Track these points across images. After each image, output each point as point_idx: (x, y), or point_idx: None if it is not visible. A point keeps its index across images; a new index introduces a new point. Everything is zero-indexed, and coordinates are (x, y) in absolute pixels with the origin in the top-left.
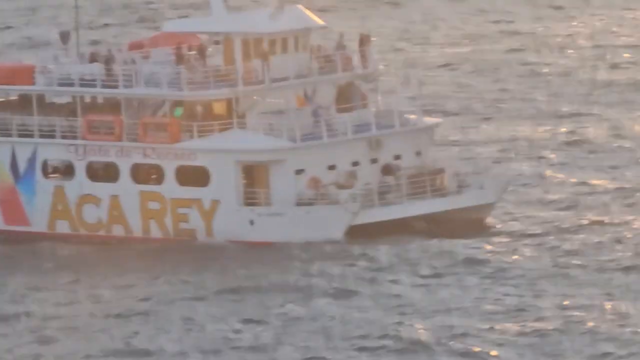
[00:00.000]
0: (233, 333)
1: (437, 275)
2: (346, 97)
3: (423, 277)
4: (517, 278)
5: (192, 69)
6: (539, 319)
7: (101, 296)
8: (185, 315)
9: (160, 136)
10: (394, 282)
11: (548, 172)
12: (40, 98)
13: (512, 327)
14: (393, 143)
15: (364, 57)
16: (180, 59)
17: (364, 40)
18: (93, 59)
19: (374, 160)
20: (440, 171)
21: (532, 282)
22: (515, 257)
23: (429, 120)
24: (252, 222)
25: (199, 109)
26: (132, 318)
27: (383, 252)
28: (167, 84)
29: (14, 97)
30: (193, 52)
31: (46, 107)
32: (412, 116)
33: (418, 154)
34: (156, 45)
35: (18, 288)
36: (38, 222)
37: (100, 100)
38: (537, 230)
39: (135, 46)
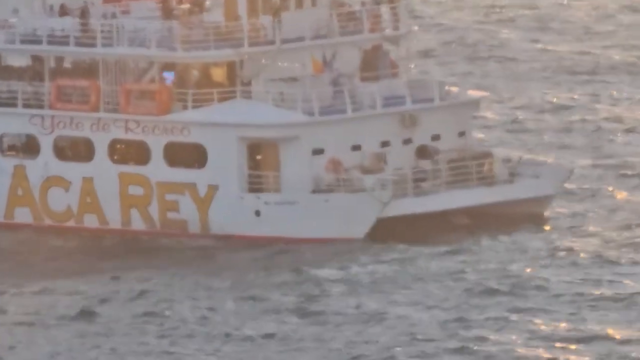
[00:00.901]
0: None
1: (482, 282)
2: (373, 64)
3: (465, 282)
4: (575, 280)
5: (187, 24)
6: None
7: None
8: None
9: (146, 106)
10: (425, 288)
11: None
12: None
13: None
14: (431, 120)
15: (394, 15)
16: (167, 13)
17: None
18: (64, 12)
19: (407, 141)
20: (487, 155)
21: (590, 284)
22: (574, 257)
23: (474, 93)
24: (257, 213)
25: (195, 73)
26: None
27: (417, 252)
28: (156, 43)
29: None
30: (186, 6)
31: (3, 70)
32: (454, 88)
33: (461, 134)
34: None
35: None
36: None
37: (68, 62)
38: (599, 227)
39: None
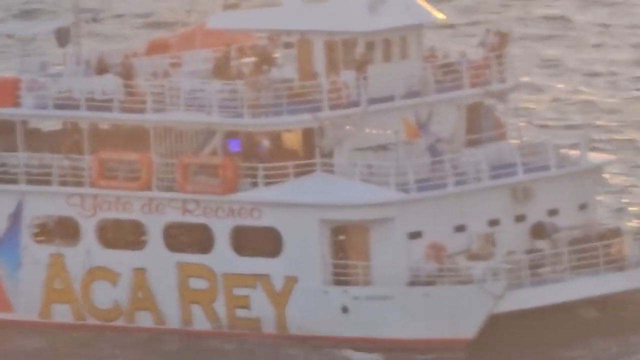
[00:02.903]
0: None
1: None
2: (474, 125)
3: None
4: None
5: (254, 85)
6: None
7: None
8: None
9: (208, 183)
10: None
11: None
12: (24, 125)
13: None
14: (547, 192)
15: (500, 65)
16: (223, 69)
17: (502, 41)
18: (103, 68)
19: (519, 218)
20: (616, 233)
21: None
22: None
23: (597, 157)
24: (345, 310)
25: (265, 143)
26: None
27: (536, 356)
28: (218, 108)
29: None
30: (250, 59)
31: (33, 138)
32: (572, 152)
33: (582, 207)
34: (189, 46)
35: None
36: (25, 307)
37: (105, 125)
38: None
39: (158, 47)
